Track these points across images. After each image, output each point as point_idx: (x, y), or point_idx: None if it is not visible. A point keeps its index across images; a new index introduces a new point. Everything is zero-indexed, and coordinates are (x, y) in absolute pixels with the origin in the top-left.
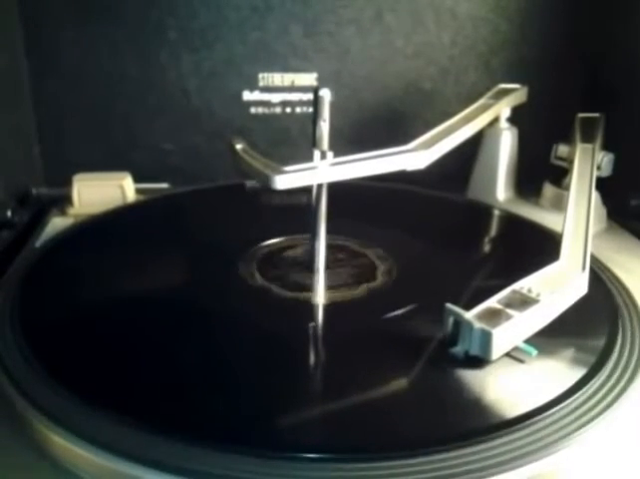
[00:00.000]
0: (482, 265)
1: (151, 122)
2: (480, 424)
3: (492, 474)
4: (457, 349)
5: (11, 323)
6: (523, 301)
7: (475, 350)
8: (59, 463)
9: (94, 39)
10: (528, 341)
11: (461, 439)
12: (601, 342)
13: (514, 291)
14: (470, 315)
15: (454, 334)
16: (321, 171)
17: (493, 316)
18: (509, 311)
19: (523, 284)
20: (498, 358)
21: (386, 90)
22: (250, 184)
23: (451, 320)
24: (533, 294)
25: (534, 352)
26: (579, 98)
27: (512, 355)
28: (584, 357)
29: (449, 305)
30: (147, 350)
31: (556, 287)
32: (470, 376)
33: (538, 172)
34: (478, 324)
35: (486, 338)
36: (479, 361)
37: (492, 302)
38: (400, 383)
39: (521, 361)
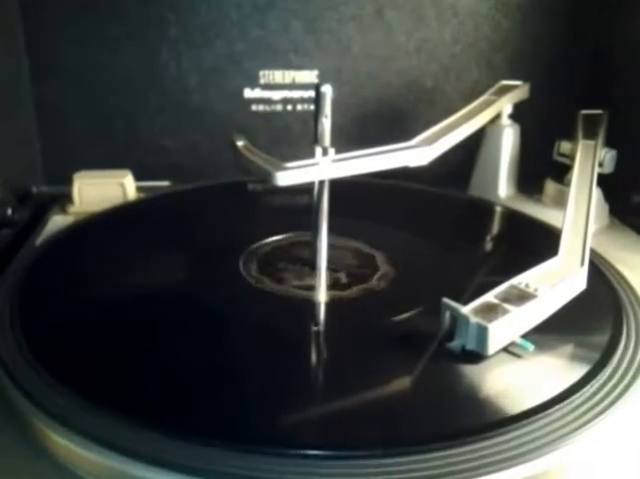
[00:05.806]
0: (485, 262)
1: (151, 119)
2: (476, 421)
3: (488, 473)
4: (453, 344)
5: (11, 322)
6: (521, 296)
7: (471, 345)
8: (60, 463)
9: (94, 36)
10: (526, 337)
11: (456, 437)
12: (604, 339)
13: (512, 286)
14: (466, 310)
15: (450, 329)
16: (323, 167)
17: (490, 311)
18: (507, 306)
19: (521, 279)
20: (495, 353)
21: (387, 87)
22: (253, 185)
23: (447, 315)
24: (531, 289)
25: (531, 347)
26: (582, 94)
27: (510, 350)
28: (587, 354)
29: (445, 300)
30: (147, 349)
31: (554, 283)
32: (466, 371)
33: (540, 168)
34: (474, 319)
35: (483, 333)
36: (475, 356)
37: (490, 297)
38: (396, 380)
39: (519, 356)
